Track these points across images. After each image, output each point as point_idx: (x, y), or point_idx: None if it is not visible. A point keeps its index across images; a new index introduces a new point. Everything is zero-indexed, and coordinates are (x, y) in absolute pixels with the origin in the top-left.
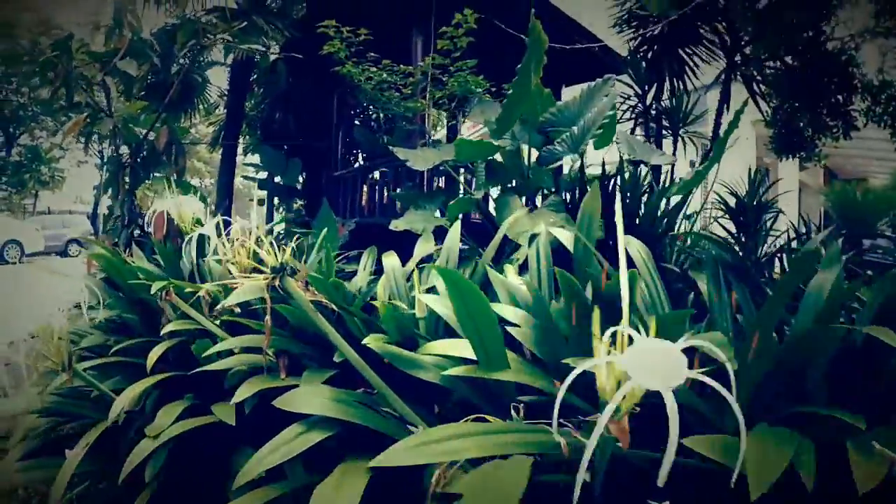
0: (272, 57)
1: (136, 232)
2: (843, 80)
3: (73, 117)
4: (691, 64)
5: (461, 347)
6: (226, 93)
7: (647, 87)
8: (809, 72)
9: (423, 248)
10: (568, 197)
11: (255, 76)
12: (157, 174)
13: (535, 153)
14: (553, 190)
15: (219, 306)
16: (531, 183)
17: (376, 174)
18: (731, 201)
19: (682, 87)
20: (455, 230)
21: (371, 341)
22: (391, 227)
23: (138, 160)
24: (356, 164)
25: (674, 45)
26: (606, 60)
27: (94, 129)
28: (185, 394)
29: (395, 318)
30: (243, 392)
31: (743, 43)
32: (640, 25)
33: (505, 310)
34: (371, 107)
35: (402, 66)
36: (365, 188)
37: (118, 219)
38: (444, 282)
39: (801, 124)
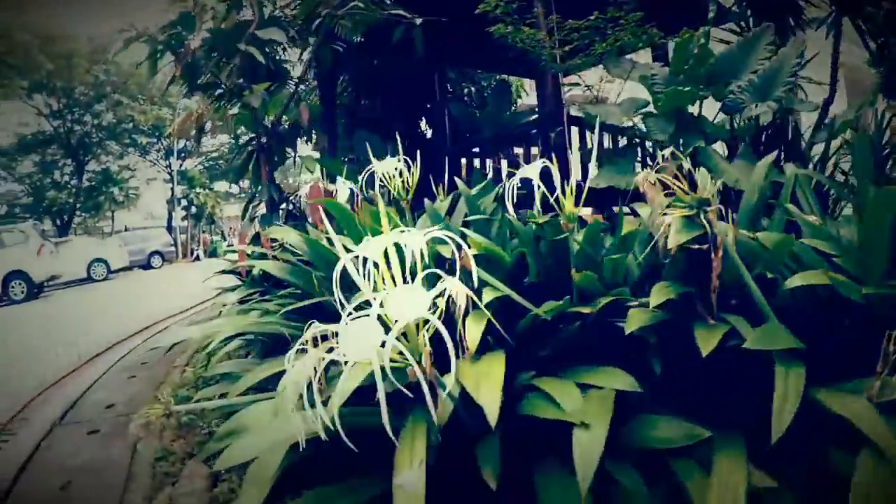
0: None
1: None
2: None
3: (136, 139)
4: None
5: None
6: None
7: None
8: None
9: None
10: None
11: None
12: (300, 154)
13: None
14: (733, 139)
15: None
16: (714, 134)
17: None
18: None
19: (793, 28)
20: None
21: None
22: (590, 184)
23: (273, 141)
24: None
25: None
26: (700, 6)
27: (235, 111)
28: None
29: None
30: None
31: None
32: None
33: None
34: (464, 83)
35: (570, 20)
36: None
37: (267, 203)
38: None
39: None
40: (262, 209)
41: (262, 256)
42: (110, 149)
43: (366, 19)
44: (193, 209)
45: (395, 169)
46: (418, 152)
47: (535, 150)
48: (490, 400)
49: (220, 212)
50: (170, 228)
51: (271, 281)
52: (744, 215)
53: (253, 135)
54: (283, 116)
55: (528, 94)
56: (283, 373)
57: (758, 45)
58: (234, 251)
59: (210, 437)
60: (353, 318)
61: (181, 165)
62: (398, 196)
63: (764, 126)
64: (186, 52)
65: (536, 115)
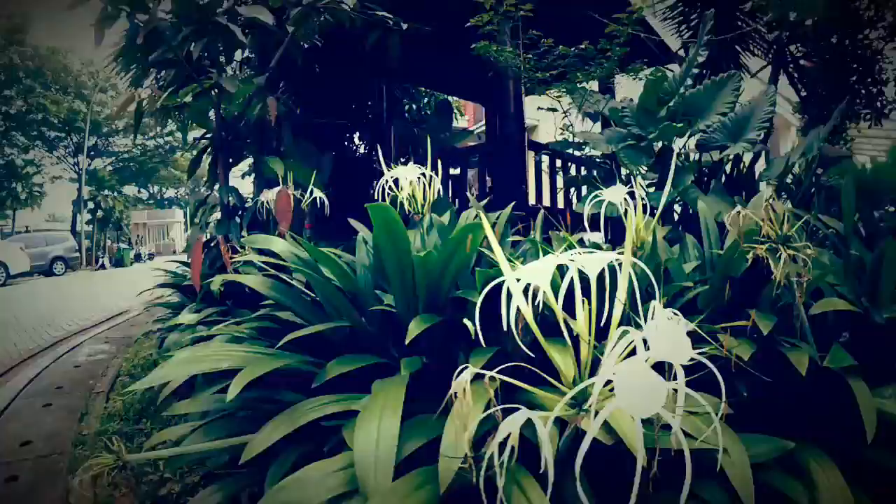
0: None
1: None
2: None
3: (44, 132)
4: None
5: None
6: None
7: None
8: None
9: None
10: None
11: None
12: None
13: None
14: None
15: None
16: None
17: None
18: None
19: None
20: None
21: None
22: (575, 209)
23: (236, 139)
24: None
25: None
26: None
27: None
28: None
29: None
30: None
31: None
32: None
33: None
34: (405, 99)
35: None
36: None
37: (223, 208)
38: None
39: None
40: (217, 215)
41: (226, 271)
42: (16, 140)
43: (341, 17)
44: (100, 213)
45: (418, 178)
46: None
47: (471, 172)
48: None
49: (128, 218)
50: (74, 232)
51: (234, 300)
52: None
53: (204, 131)
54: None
55: (462, 116)
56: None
57: (725, 88)
58: (140, 259)
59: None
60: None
61: (90, 164)
62: (412, 210)
63: (724, 162)
64: (152, 19)
65: (477, 138)
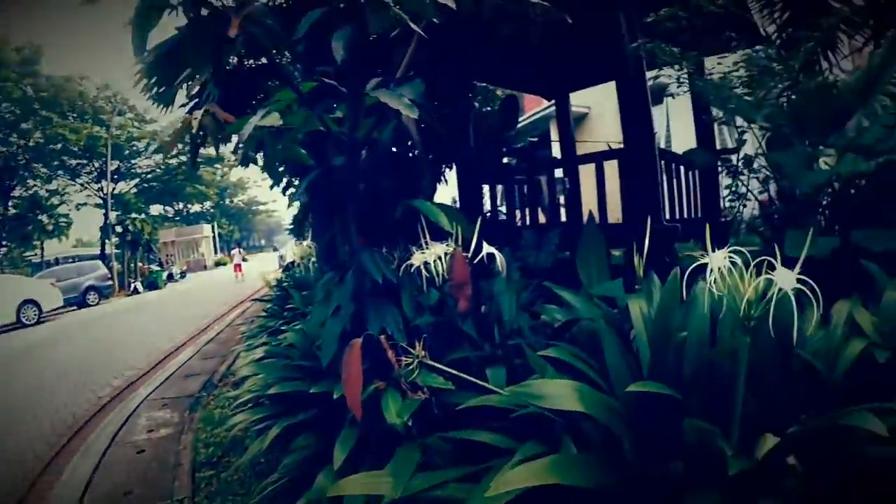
0: None
1: None
2: None
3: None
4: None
5: None
6: None
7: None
8: None
9: None
10: None
11: None
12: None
13: None
14: None
15: None
16: None
17: None
18: None
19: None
20: None
21: None
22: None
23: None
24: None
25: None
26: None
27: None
28: None
29: None
30: None
31: None
32: None
33: None
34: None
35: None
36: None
37: (357, 287)
38: None
39: None
40: None
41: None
42: (37, 171)
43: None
44: (129, 236)
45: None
46: None
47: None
48: None
49: (157, 238)
50: (103, 258)
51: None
52: None
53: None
54: None
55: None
56: None
57: None
58: (173, 279)
59: None
60: None
61: (114, 188)
62: None
63: None
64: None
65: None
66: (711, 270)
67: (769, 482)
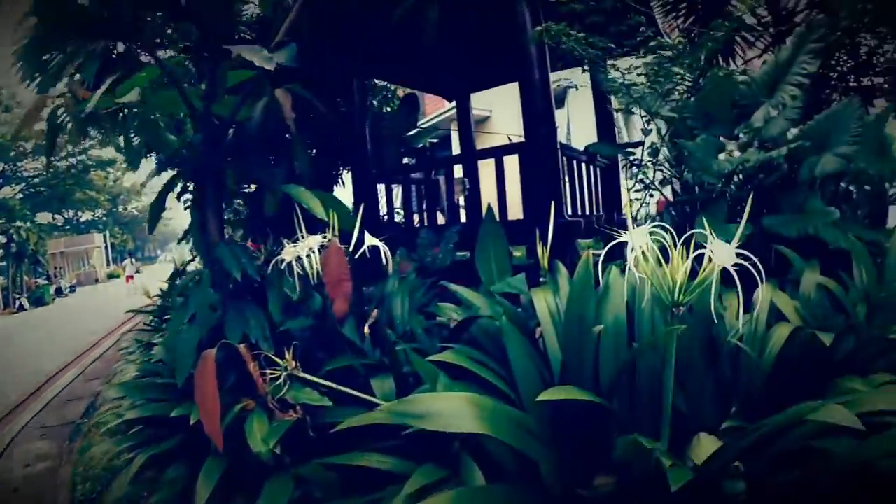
0: None
1: None
2: None
3: None
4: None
5: None
6: None
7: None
8: None
9: None
10: None
11: None
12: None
13: None
14: None
15: None
16: None
17: None
18: None
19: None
20: None
21: None
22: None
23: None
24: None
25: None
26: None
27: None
28: None
29: None
30: None
31: None
32: None
33: None
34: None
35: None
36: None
37: (216, 285)
38: None
39: None
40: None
41: None
42: None
43: None
44: (14, 247)
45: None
46: None
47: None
48: None
49: (44, 249)
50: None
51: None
52: None
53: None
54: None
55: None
56: None
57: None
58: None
59: None
60: None
61: None
62: None
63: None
64: None
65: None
66: (633, 249)
67: (713, 490)
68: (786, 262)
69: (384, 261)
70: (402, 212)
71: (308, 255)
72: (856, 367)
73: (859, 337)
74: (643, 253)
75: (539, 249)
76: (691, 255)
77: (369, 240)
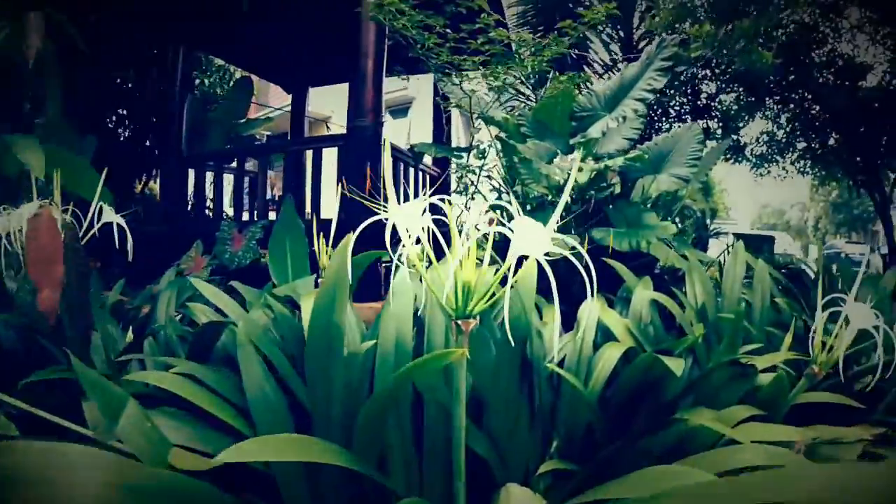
0: None
1: None
2: None
3: None
4: None
5: None
6: None
7: None
8: None
9: None
10: None
11: None
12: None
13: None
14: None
15: None
16: None
17: None
18: None
19: None
20: None
21: None
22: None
23: None
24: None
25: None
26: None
27: None
28: None
29: None
30: None
31: None
32: None
33: None
34: (196, 72)
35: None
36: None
37: None
38: None
39: None
40: None
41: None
42: None
43: None
44: None
45: None
46: None
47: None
48: None
49: None
50: None
51: None
52: None
53: None
54: None
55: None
56: None
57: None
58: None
59: None
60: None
61: None
62: None
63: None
64: None
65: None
66: (404, 240)
67: None
68: (617, 277)
69: (128, 244)
70: (211, 203)
71: (16, 231)
72: (700, 395)
73: (699, 360)
74: (417, 242)
75: (318, 246)
76: (489, 249)
77: (107, 215)
